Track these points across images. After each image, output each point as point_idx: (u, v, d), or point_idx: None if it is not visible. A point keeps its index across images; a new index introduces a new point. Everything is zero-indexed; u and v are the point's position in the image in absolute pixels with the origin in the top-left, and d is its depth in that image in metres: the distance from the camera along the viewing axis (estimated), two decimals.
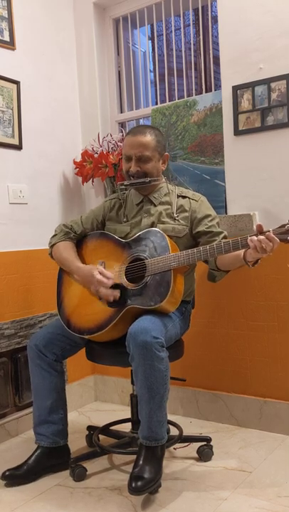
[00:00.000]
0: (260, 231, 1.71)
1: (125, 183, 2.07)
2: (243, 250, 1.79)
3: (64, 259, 2.10)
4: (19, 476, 2.00)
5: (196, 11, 2.79)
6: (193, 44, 2.82)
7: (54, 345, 2.07)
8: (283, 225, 1.71)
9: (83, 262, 2.09)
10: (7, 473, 1.99)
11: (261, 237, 1.69)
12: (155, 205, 2.10)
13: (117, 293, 1.93)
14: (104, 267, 2.02)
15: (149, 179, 2.04)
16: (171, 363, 1.86)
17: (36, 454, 2.06)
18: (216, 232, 2.03)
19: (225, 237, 2.02)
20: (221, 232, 2.03)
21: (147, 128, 2.08)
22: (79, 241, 2.17)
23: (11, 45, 2.55)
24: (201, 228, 2.03)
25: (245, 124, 2.37)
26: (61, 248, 2.12)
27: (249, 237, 1.72)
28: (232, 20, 2.37)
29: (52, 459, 2.07)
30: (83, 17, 2.94)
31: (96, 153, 2.75)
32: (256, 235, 1.71)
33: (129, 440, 2.13)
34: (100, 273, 1.95)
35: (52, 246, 2.15)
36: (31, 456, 2.06)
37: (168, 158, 2.14)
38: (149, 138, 2.02)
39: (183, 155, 2.67)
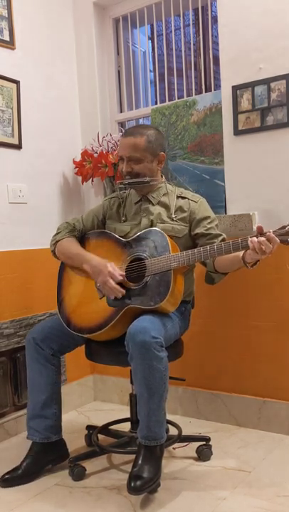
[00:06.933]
0: (261, 232, 1.71)
1: (124, 181, 2.07)
2: (242, 251, 1.79)
3: (72, 253, 2.09)
4: (18, 478, 2.00)
5: (196, 11, 2.79)
6: (193, 44, 2.82)
7: (52, 340, 2.07)
8: (284, 227, 1.71)
9: None
10: (6, 476, 1.99)
11: (261, 238, 1.69)
12: (153, 205, 2.10)
13: (123, 291, 1.92)
14: None
15: (148, 179, 2.05)
16: (170, 362, 1.86)
17: (31, 452, 2.05)
18: (215, 234, 2.02)
19: (223, 240, 2.01)
20: (220, 235, 2.03)
21: (141, 128, 2.07)
22: (79, 240, 2.17)
23: (10, 44, 2.55)
24: (199, 230, 2.03)
25: (245, 124, 2.37)
26: (67, 243, 2.12)
27: (249, 238, 1.72)
28: (232, 20, 2.38)
29: (47, 454, 2.07)
30: (83, 17, 2.94)
31: (96, 152, 2.75)
32: (256, 236, 1.71)
33: (128, 440, 2.13)
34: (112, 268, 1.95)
35: (56, 243, 2.14)
36: (27, 455, 2.05)
37: (164, 158, 2.10)
38: (138, 139, 2.01)
39: (182, 155, 2.67)
